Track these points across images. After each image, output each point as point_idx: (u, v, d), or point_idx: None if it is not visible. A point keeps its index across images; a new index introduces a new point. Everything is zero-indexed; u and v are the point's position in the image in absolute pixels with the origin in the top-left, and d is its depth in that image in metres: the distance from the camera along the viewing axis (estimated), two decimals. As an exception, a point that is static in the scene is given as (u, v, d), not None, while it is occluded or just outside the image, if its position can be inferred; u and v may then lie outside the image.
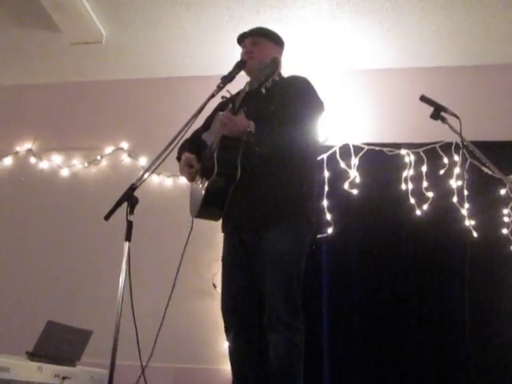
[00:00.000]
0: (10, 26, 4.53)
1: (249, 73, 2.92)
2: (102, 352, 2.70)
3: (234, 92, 2.89)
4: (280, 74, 2.94)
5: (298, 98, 2.80)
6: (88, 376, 3.10)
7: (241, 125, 2.63)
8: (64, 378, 2.84)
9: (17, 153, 5.10)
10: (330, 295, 4.26)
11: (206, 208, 2.81)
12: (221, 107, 2.96)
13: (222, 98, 2.89)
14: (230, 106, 2.70)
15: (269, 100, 2.75)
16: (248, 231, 2.77)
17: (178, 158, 3.03)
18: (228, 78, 2.76)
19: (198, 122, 2.86)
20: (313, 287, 4.12)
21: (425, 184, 4.36)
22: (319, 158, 4.32)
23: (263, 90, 2.61)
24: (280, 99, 2.76)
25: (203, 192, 2.74)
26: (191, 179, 2.95)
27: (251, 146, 2.64)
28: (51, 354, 2.88)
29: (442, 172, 4.36)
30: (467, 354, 3.97)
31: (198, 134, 3.08)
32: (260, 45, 2.96)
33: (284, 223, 2.70)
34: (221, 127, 2.68)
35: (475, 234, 4.19)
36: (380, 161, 4.47)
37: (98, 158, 4.96)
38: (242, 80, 2.84)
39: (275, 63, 2.64)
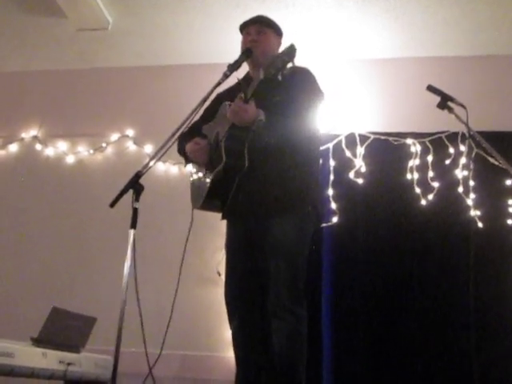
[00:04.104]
0: (16, 12, 4.51)
1: (252, 61, 2.90)
2: (107, 339, 2.72)
3: (235, 81, 2.88)
4: None
5: (301, 89, 2.78)
6: (93, 362, 3.11)
7: (252, 113, 2.60)
8: (69, 364, 2.85)
9: (22, 139, 5.09)
10: (334, 284, 4.26)
11: (210, 200, 2.80)
12: (220, 98, 2.95)
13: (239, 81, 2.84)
14: (241, 94, 2.64)
15: (274, 90, 2.74)
16: (252, 220, 2.77)
17: (179, 151, 2.99)
18: (234, 66, 2.75)
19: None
20: (316, 276, 4.13)
21: (430, 174, 4.34)
22: (325, 147, 4.33)
23: (279, 77, 2.59)
24: (283, 90, 2.73)
25: (208, 183, 2.73)
26: (204, 156, 2.85)
27: (260, 136, 2.62)
28: (56, 340, 2.89)
29: (447, 162, 4.34)
30: (471, 344, 3.97)
31: (196, 126, 3.00)
32: (265, 34, 2.93)
33: (289, 212, 2.71)
34: (231, 116, 2.64)
35: (480, 225, 4.18)
36: (386, 150, 4.45)
37: (104, 145, 4.96)
38: (242, 69, 2.84)
39: (293, 50, 2.59)
